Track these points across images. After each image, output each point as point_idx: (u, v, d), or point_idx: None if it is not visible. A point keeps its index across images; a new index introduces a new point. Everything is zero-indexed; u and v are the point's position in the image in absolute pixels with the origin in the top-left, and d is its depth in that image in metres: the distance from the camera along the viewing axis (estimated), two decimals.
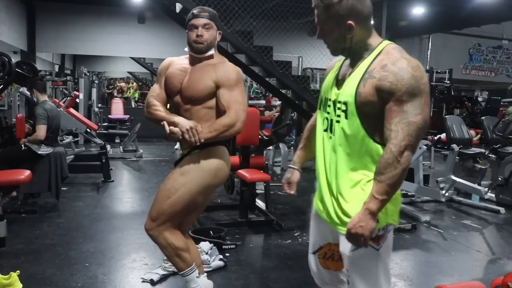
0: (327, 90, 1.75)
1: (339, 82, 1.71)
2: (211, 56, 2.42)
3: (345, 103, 1.61)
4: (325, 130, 1.72)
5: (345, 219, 1.62)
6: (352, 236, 1.56)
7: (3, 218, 3.53)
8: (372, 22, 1.65)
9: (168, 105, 2.51)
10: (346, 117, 1.62)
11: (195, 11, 2.38)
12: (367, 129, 1.60)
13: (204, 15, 2.36)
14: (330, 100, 1.71)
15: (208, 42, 2.36)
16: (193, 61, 2.43)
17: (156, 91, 2.47)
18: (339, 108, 1.65)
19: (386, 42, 1.66)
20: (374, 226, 1.54)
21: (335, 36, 1.63)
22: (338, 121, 1.65)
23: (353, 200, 1.62)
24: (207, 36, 2.36)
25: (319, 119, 1.78)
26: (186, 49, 2.43)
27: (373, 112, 1.58)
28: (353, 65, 1.67)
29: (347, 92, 1.61)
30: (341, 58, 1.78)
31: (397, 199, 1.67)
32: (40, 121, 4.73)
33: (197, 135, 2.25)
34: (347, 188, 1.64)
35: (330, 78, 1.77)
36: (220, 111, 2.35)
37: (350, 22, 1.58)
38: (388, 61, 1.57)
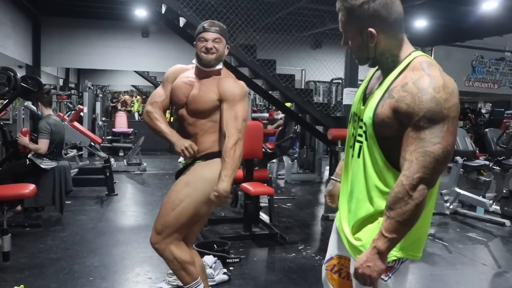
0: (355, 103, 1.62)
1: (366, 96, 1.57)
2: (219, 72, 2.42)
3: (365, 124, 1.48)
4: (351, 147, 1.60)
5: (357, 244, 1.53)
6: (359, 276, 1.43)
7: (7, 232, 3.53)
8: (402, 30, 1.47)
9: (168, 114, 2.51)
10: (366, 139, 1.49)
11: (205, 24, 2.38)
12: (386, 154, 1.46)
13: (214, 29, 2.37)
14: (356, 115, 1.58)
15: (218, 54, 2.36)
16: (200, 75, 2.42)
17: (161, 96, 2.46)
18: (360, 127, 1.52)
19: (416, 54, 1.47)
20: (382, 267, 1.40)
21: (357, 44, 1.48)
22: (358, 141, 1.54)
23: (367, 230, 1.52)
24: (217, 47, 2.36)
25: (348, 132, 1.66)
26: (194, 61, 2.42)
27: (392, 135, 1.41)
28: (381, 78, 1.52)
29: (367, 113, 1.47)
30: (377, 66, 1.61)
31: (417, 230, 1.45)
32: (43, 135, 4.75)
33: (192, 150, 2.32)
34: (363, 215, 1.52)
35: (360, 90, 1.63)
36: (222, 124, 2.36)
37: (371, 29, 1.42)
38: (410, 78, 1.38)
